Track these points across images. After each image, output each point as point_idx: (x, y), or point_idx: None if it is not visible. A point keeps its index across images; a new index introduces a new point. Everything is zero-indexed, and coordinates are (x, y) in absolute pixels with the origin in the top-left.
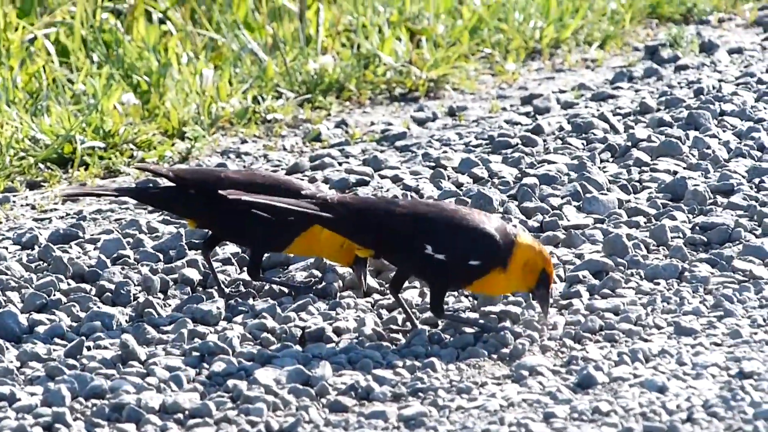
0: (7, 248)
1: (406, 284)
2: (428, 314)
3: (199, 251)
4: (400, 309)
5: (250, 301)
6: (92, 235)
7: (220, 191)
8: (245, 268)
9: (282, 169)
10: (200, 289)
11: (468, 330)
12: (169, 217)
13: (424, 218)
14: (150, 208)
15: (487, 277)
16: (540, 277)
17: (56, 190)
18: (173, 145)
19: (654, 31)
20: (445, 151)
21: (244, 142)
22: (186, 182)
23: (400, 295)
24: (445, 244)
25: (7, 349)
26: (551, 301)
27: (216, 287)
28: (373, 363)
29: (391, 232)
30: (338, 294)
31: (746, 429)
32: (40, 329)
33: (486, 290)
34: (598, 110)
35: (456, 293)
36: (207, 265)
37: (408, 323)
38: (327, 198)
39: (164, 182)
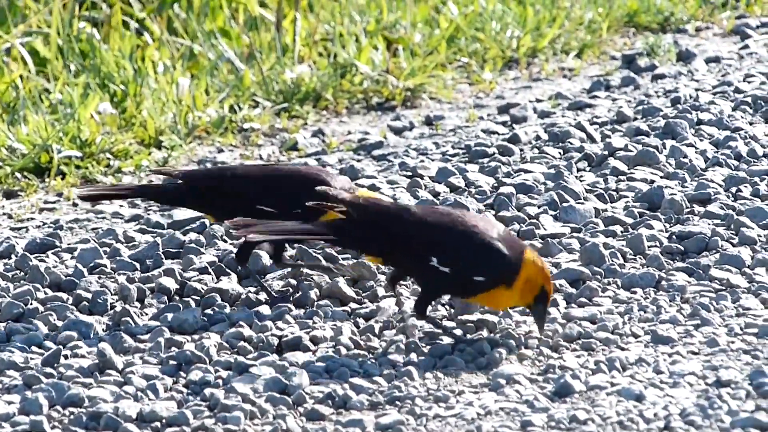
0: None
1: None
2: (411, 321)
3: (176, 260)
4: (401, 315)
5: (227, 310)
6: (69, 244)
7: (227, 221)
8: (270, 257)
9: None
10: (177, 297)
11: (445, 338)
12: (145, 227)
13: (433, 228)
14: (156, 207)
15: (491, 292)
16: (539, 294)
17: (75, 191)
18: (150, 154)
19: (631, 40)
20: (422, 161)
21: (220, 151)
22: (196, 183)
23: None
24: (451, 257)
25: None
26: (547, 317)
27: (263, 292)
28: (350, 372)
29: (399, 239)
30: (315, 303)
31: None
32: (17, 338)
33: (488, 303)
34: (575, 119)
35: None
36: (251, 275)
37: (404, 332)
38: (339, 197)
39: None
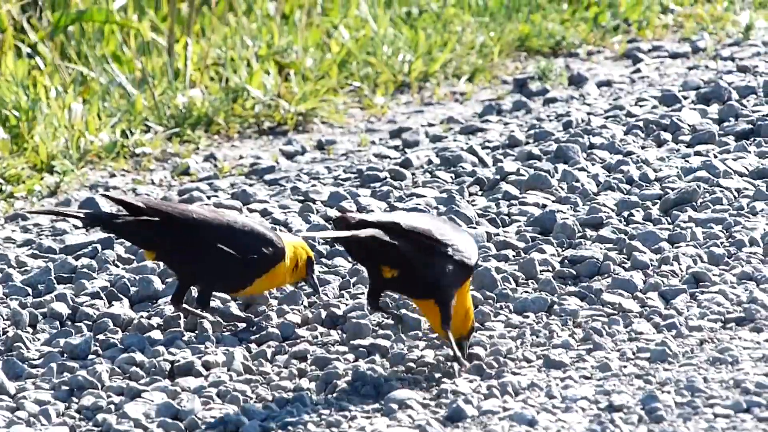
0: None
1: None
2: (299, 347)
3: (68, 285)
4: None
5: (119, 335)
6: None
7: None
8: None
9: None
10: (69, 323)
11: (337, 363)
12: (37, 252)
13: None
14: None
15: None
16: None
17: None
18: (42, 179)
19: (523, 64)
20: (313, 185)
21: (112, 176)
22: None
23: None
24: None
25: None
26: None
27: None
28: (242, 397)
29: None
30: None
31: None
32: None
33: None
34: (466, 143)
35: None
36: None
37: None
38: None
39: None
